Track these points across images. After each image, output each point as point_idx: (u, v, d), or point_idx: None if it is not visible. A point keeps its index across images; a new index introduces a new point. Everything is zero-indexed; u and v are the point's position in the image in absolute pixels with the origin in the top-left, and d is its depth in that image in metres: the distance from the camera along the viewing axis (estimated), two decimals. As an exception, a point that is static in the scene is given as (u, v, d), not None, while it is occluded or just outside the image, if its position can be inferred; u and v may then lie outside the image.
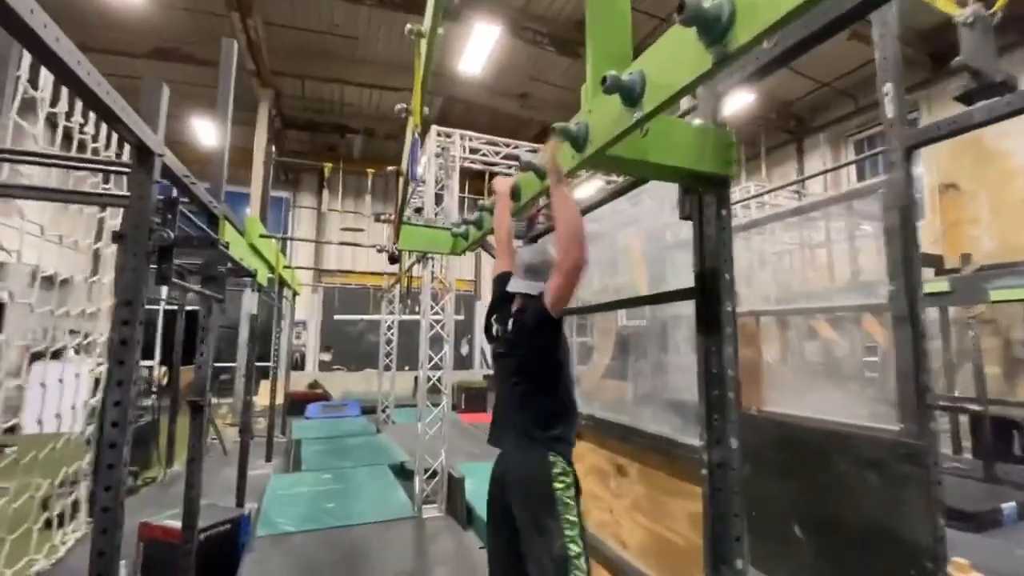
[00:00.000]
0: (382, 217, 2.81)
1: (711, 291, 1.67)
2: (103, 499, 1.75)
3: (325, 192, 6.13)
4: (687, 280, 1.73)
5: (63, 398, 3.51)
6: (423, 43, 1.77)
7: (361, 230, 5.93)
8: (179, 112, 9.72)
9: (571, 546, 1.55)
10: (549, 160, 1.65)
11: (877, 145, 6.99)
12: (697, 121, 1.78)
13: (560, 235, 1.62)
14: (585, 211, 2.68)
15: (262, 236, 3.87)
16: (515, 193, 2.10)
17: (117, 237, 1.92)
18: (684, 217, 1.81)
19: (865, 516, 1.93)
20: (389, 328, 9.20)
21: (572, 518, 1.59)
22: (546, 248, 1.98)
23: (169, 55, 8.51)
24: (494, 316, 1.94)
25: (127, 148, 2.17)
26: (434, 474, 4.54)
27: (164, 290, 12.11)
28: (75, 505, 3.85)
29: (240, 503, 4.41)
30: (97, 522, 1.74)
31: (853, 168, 9.53)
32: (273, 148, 5.90)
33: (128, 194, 1.83)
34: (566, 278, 1.63)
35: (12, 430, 3.89)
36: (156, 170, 1.88)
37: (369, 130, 11.63)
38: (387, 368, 9.08)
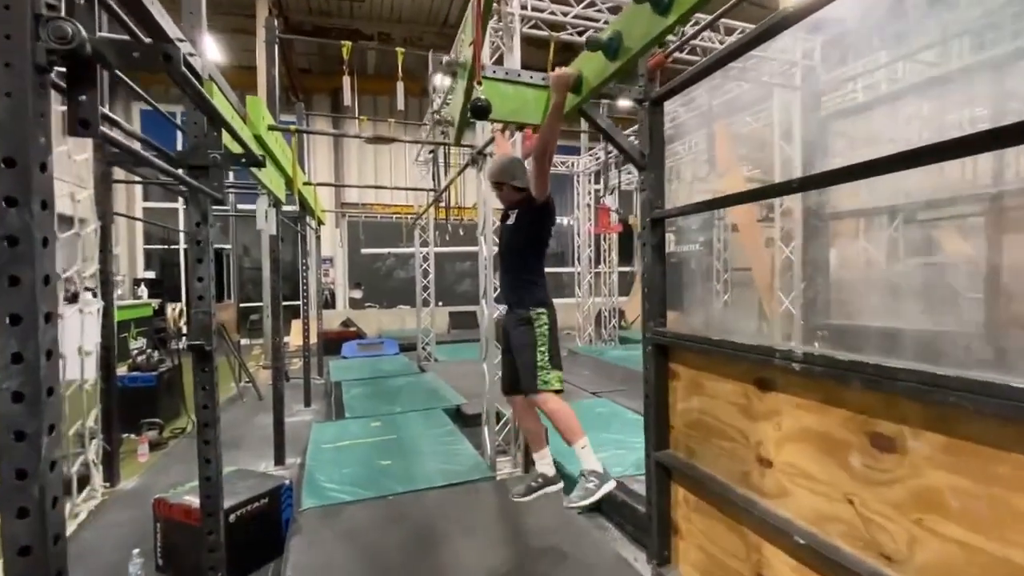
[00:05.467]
0: (445, 59, 1.87)
1: None
2: (14, 531, 0.93)
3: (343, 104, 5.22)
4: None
5: (66, 341, 2.89)
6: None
7: (392, 140, 4.92)
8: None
9: (538, 357, 2.16)
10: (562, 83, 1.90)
11: None
12: None
13: (541, 133, 2.05)
14: (724, 59, 1.70)
15: (271, 128, 2.90)
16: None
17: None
18: None
19: None
20: (425, 260, 8.37)
21: (542, 346, 2.18)
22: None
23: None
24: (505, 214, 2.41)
25: None
26: (505, 422, 3.80)
27: (181, 220, 11.27)
28: (86, 469, 3.24)
29: (279, 460, 3.77)
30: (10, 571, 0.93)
31: None
32: (277, 47, 4.79)
33: None
34: (538, 163, 2.11)
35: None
36: None
37: (384, 35, 10.18)
38: (425, 303, 8.34)
